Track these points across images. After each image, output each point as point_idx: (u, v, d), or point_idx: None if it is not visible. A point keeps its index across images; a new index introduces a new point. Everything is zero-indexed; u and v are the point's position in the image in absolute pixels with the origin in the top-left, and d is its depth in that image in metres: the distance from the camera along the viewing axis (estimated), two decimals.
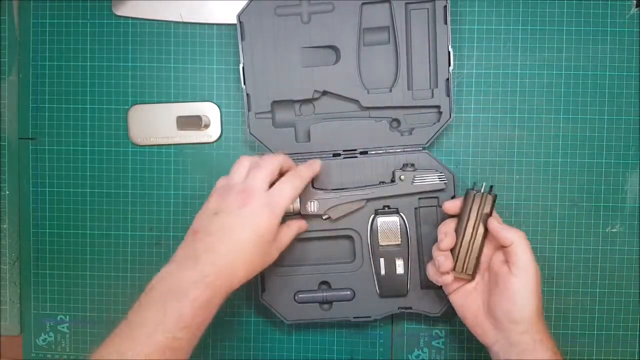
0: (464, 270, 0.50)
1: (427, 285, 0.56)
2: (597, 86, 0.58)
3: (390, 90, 0.56)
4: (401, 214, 0.56)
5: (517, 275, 0.46)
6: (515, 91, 0.58)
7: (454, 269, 0.50)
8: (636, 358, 0.59)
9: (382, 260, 0.56)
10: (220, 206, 0.47)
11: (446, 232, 0.50)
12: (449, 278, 0.50)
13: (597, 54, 0.58)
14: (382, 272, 0.56)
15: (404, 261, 0.56)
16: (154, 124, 0.60)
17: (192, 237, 0.46)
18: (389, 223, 0.56)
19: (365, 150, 0.56)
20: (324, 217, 0.56)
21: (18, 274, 0.62)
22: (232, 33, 0.59)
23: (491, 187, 0.50)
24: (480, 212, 0.50)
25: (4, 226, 0.62)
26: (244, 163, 0.50)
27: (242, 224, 0.45)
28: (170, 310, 0.41)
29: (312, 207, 0.54)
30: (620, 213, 0.58)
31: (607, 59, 0.58)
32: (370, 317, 0.56)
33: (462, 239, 0.50)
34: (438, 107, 0.56)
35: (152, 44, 0.60)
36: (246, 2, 0.55)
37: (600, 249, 0.58)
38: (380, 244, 0.56)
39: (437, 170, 0.55)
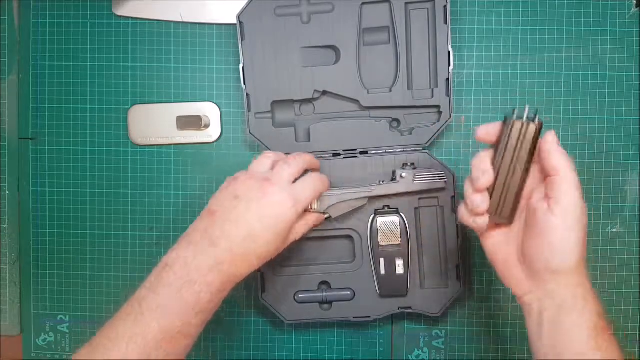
0: (499, 213, 0.42)
1: (427, 285, 0.56)
2: (597, 86, 0.58)
3: (390, 90, 0.56)
4: (401, 214, 0.56)
5: (559, 215, 0.39)
6: (515, 91, 0.58)
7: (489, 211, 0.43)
8: (636, 358, 0.59)
9: (382, 260, 0.56)
10: (242, 190, 0.45)
11: (484, 169, 0.41)
12: (484, 220, 0.43)
13: (597, 54, 0.58)
14: (382, 272, 0.56)
15: (404, 261, 0.56)
16: (154, 124, 0.60)
17: (209, 219, 0.44)
18: (389, 223, 0.56)
19: (365, 150, 0.56)
20: (325, 216, 0.56)
21: (18, 274, 0.62)
22: (232, 33, 0.59)
23: (536, 112, 0.42)
24: (520, 144, 0.41)
25: (4, 226, 0.62)
26: (268, 155, 0.49)
27: (262, 214, 0.44)
28: (187, 295, 0.42)
29: (313, 205, 0.54)
30: (620, 213, 0.58)
31: (607, 59, 0.58)
32: (370, 317, 0.56)
33: (498, 175, 0.42)
34: (438, 107, 0.56)
35: (152, 44, 0.60)
36: (246, 2, 0.55)
37: (600, 249, 0.58)
38: (380, 244, 0.56)
39: (437, 169, 0.55)
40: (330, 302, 0.57)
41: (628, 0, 0.57)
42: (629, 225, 0.58)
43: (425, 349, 0.60)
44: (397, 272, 0.56)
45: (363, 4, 0.55)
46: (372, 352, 0.60)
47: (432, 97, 0.56)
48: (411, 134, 0.56)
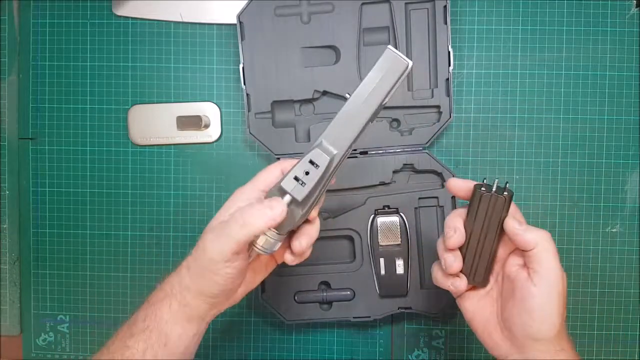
0: (473, 276, 0.43)
1: (427, 285, 0.56)
2: (597, 86, 0.58)
3: None
4: (401, 214, 0.56)
5: (539, 285, 0.39)
6: (515, 91, 0.58)
7: (461, 271, 0.43)
8: (636, 358, 0.59)
9: (382, 260, 0.56)
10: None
11: (455, 227, 0.42)
12: (461, 283, 0.43)
13: (597, 54, 0.58)
14: (382, 272, 0.56)
15: (404, 261, 0.56)
16: (154, 124, 0.60)
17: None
18: (388, 223, 0.56)
19: (365, 150, 0.56)
20: (324, 217, 0.56)
21: (18, 274, 0.62)
22: (232, 33, 0.59)
23: (506, 184, 0.42)
24: (489, 213, 0.41)
25: (4, 226, 0.62)
26: (278, 165, 0.44)
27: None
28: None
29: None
30: (620, 213, 0.58)
31: (607, 59, 0.58)
32: (370, 317, 0.56)
33: (470, 238, 0.42)
34: (438, 107, 0.56)
35: (152, 44, 0.60)
36: (246, 2, 0.55)
37: (600, 249, 0.58)
38: (380, 244, 0.56)
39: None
40: (330, 302, 0.57)
41: (628, 0, 0.57)
42: (629, 225, 0.58)
43: (425, 349, 0.60)
44: (397, 272, 0.56)
45: (363, 4, 0.55)
46: (372, 352, 0.60)
47: (432, 97, 0.56)
48: (411, 134, 0.56)
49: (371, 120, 0.40)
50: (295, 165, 0.39)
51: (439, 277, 0.44)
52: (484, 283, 0.43)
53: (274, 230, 0.39)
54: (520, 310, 0.40)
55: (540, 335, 0.39)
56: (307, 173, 0.39)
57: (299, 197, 0.39)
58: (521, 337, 0.40)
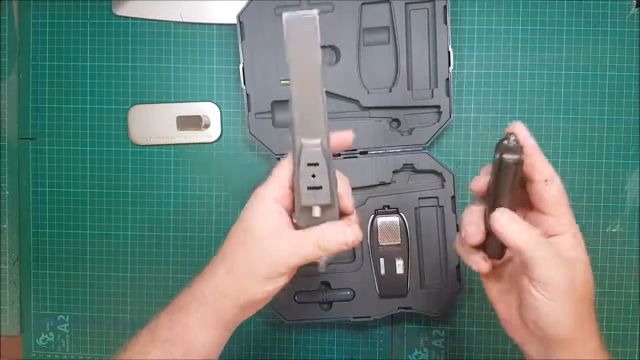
0: (488, 250, 0.39)
1: (427, 285, 0.56)
2: (597, 86, 0.58)
3: (390, 90, 0.56)
4: (401, 214, 0.56)
5: (540, 290, 0.35)
6: (515, 91, 0.58)
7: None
8: (636, 358, 0.59)
9: (382, 260, 0.56)
10: None
11: (476, 223, 0.38)
12: (485, 266, 0.38)
13: (597, 54, 0.58)
14: (382, 272, 0.56)
15: (404, 261, 0.56)
16: (154, 124, 0.60)
17: None
18: (388, 223, 0.56)
19: (365, 150, 0.56)
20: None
21: (18, 274, 0.62)
22: (232, 33, 0.59)
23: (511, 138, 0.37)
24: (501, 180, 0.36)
25: (4, 226, 0.62)
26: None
27: None
28: None
29: None
30: (620, 213, 0.58)
31: (607, 59, 0.58)
32: (370, 317, 0.56)
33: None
34: (438, 107, 0.56)
35: (152, 44, 0.60)
36: (246, 2, 0.55)
37: (600, 249, 0.58)
38: (380, 244, 0.56)
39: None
40: (330, 302, 0.57)
41: (628, 0, 0.57)
42: (629, 225, 0.58)
43: (425, 349, 0.60)
44: (397, 272, 0.56)
45: (363, 4, 0.55)
46: (372, 352, 0.60)
47: (432, 97, 0.56)
48: (411, 134, 0.56)
49: (324, 86, 0.37)
50: (298, 180, 0.37)
51: (460, 249, 0.40)
52: (499, 256, 0.39)
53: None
54: (529, 311, 0.36)
55: (556, 334, 0.35)
56: (313, 176, 0.37)
57: (327, 201, 0.37)
58: (539, 337, 0.36)
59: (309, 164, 0.37)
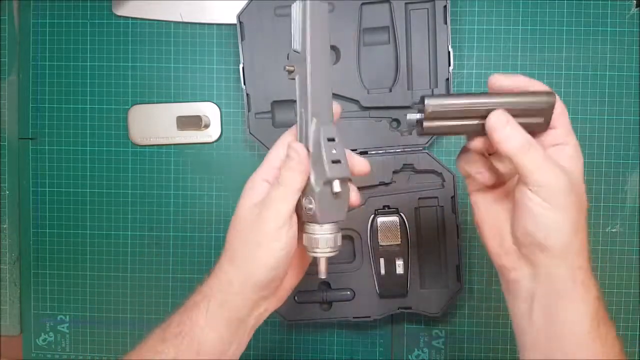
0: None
1: (427, 285, 0.56)
2: (597, 86, 0.58)
3: (390, 90, 0.56)
4: (401, 213, 0.56)
5: (537, 193, 0.34)
6: None
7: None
8: (636, 358, 0.59)
9: (382, 260, 0.56)
10: None
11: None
12: (489, 177, 0.38)
13: (597, 54, 0.58)
14: (382, 272, 0.56)
15: (404, 261, 0.56)
16: (154, 124, 0.60)
17: None
18: (388, 223, 0.56)
19: (365, 150, 0.56)
20: None
21: (18, 274, 0.62)
22: (232, 33, 0.59)
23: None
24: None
25: (4, 226, 0.62)
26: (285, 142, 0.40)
27: None
28: None
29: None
30: (620, 213, 0.58)
31: (607, 59, 0.58)
32: (370, 317, 0.56)
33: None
34: None
35: (152, 44, 0.60)
36: (246, 2, 0.55)
37: (600, 249, 0.58)
38: (380, 244, 0.56)
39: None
40: (330, 302, 0.57)
41: (628, 0, 0.57)
42: (629, 225, 0.58)
43: (425, 349, 0.60)
44: (397, 272, 0.56)
45: (363, 4, 0.55)
46: (372, 352, 0.60)
47: None
48: (411, 134, 0.56)
49: (327, 71, 0.38)
50: (320, 157, 0.36)
51: (461, 164, 0.39)
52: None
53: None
54: (523, 216, 0.35)
55: (548, 241, 0.34)
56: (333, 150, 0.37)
57: (347, 174, 0.37)
58: (531, 246, 0.35)
59: (328, 139, 0.37)
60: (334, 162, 0.36)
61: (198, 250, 0.61)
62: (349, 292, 0.57)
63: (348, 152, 0.39)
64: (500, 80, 0.36)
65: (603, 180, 0.58)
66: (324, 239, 0.37)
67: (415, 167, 0.56)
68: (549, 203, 0.34)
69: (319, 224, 0.37)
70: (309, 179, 0.37)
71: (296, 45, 0.36)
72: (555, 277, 0.35)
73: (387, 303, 0.56)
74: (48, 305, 0.62)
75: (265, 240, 0.36)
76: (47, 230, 0.62)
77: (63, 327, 0.62)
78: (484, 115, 0.35)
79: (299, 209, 0.38)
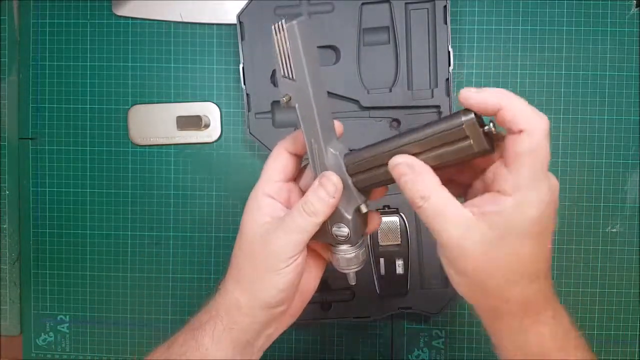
0: None
1: (427, 285, 0.56)
2: (597, 86, 0.58)
3: (390, 90, 0.56)
4: (401, 214, 0.56)
5: (442, 254, 0.32)
6: (515, 91, 0.58)
7: None
8: (636, 358, 0.59)
9: (382, 260, 0.56)
10: None
11: None
12: None
13: (597, 54, 0.58)
14: (382, 272, 0.56)
15: (404, 261, 0.56)
16: (154, 124, 0.60)
17: None
18: (389, 223, 0.56)
19: None
20: None
21: (18, 274, 0.62)
22: (232, 33, 0.59)
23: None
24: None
25: (4, 226, 0.62)
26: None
27: None
28: None
29: None
30: (620, 213, 0.58)
31: (607, 59, 0.58)
32: (370, 317, 0.56)
33: None
34: (438, 107, 0.56)
35: (152, 44, 0.60)
36: (246, 2, 0.55)
37: (600, 249, 0.58)
38: (380, 244, 0.56)
39: None
40: (330, 302, 0.57)
41: (628, 0, 0.57)
42: (629, 225, 0.58)
43: (425, 349, 0.60)
44: (397, 272, 0.56)
45: (363, 4, 0.55)
46: (372, 352, 0.60)
47: (432, 97, 0.56)
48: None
49: (324, 90, 0.35)
50: (349, 182, 0.36)
51: None
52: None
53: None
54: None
55: (480, 310, 0.34)
56: None
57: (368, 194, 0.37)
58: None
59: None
60: (357, 187, 0.36)
61: (198, 250, 0.61)
62: (348, 292, 0.57)
63: (338, 122, 0.37)
64: (469, 97, 0.31)
65: (603, 180, 0.58)
66: (357, 255, 0.38)
67: None
68: (456, 271, 0.32)
69: (352, 245, 0.37)
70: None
71: (287, 72, 0.33)
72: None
73: (387, 303, 0.56)
74: (48, 305, 0.62)
75: (277, 265, 0.35)
76: (47, 230, 0.62)
77: (63, 327, 0.62)
78: (411, 153, 0.33)
79: (321, 234, 0.36)
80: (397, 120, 0.57)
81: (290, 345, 0.61)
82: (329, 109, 0.35)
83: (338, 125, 0.37)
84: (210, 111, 0.60)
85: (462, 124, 0.30)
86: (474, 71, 0.58)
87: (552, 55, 0.58)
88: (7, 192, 0.62)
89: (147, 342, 0.61)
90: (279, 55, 0.33)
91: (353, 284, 0.40)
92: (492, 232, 0.30)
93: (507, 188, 0.30)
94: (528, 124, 0.30)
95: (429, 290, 0.56)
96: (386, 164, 0.33)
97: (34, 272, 0.62)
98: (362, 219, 0.37)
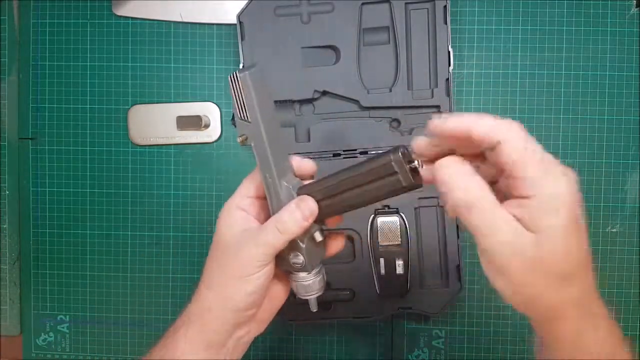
0: None
1: (427, 285, 0.56)
2: (597, 86, 0.58)
3: (390, 90, 0.56)
4: (401, 214, 0.56)
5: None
6: (515, 91, 0.58)
7: None
8: (636, 358, 0.58)
9: (382, 260, 0.56)
10: None
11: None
12: None
13: (597, 54, 0.58)
14: (382, 272, 0.56)
15: (404, 261, 0.56)
16: (154, 124, 0.60)
17: None
18: (389, 223, 0.56)
19: (365, 150, 0.56)
20: None
21: (18, 274, 0.62)
22: (232, 33, 0.59)
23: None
24: None
25: (4, 226, 0.62)
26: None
27: None
28: None
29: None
30: (620, 213, 0.58)
31: (607, 59, 0.58)
32: (370, 317, 0.56)
33: None
34: (438, 107, 0.56)
35: (152, 44, 0.60)
36: (246, 2, 0.55)
37: (600, 249, 0.58)
38: (380, 244, 0.56)
39: None
40: (330, 302, 0.57)
41: (628, 0, 0.57)
42: (629, 225, 0.58)
43: (425, 349, 0.60)
44: (397, 272, 0.56)
45: (363, 4, 0.55)
46: (372, 352, 0.60)
47: (432, 97, 0.56)
48: (411, 134, 0.56)
49: (278, 129, 0.39)
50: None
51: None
52: None
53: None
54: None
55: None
56: None
57: (324, 224, 0.40)
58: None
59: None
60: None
61: (198, 250, 0.61)
62: (348, 292, 0.57)
63: (296, 158, 0.40)
64: (437, 126, 0.32)
65: (603, 180, 0.58)
66: (315, 283, 0.40)
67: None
68: (505, 281, 0.31)
69: (308, 272, 0.39)
70: None
71: (243, 115, 0.37)
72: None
73: (387, 303, 0.56)
74: (48, 305, 0.62)
75: (247, 271, 0.37)
76: (47, 230, 0.62)
77: (63, 327, 0.62)
78: (350, 187, 0.36)
79: (280, 261, 0.39)
80: (397, 120, 0.57)
81: (290, 345, 0.61)
82: (283, 146, 0.39)
83: (310, 164, 0.40)
84: (210, 111, 0.60)
85: (391, 161, 0.34)
86: (474, 71, 0.58)
87: (552, 55, 0.58)
88: (7, 192, 0.62)
89: (147, 342, 0.61)
90: (235, 101, 0.37)
91: (314, 310, 0.42)
92: (531, 236, 0.30)
93: (524, 191, 0.30)
94: (500, 134, 0.31)
95: (429, 290, 0.56)
96: (335, 195, 0.37)
97: (34, 272, 0.62)
98: (318, 246, 0.40)
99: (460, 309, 0.59)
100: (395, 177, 0.34)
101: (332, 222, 0.41)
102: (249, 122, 0.37)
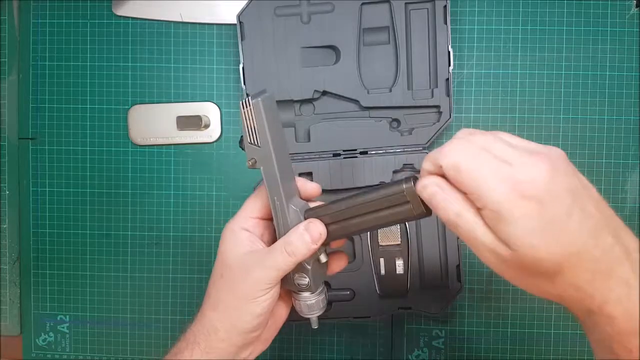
0: None
1: (427, 285, 0.56)
2: (597, 86, 0.58)
3: (390, 90, 0.56)
4: None
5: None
6: (515, 91, 0.58)
7: None
8: (636, 358, 0.58)
9: (382, 260, 0.56)
10: None
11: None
12: None
13: (597, 54, 0.58)
14: (382, 272, 0.56)
15: (404, 261, 0.56)
16: (154, 124, 0.60)
17: None
18: None
19: (365, 150, 0.56)
20: None
21: (18, 274, 0.62)
22: (232, 33, 0.59)
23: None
24: None
25: (4, 226, 0.62)
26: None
27: None
28: None
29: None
30: (620, 213, 0.58)
31: (607, 59, 0.58)
32: (370, 317, 0.56)
33: None
34: (438, 107, 0.56)
35: (152, 44, 0.60)
36: (246, 2, 0.55)
37: None
38: (380, 244, 0.56)
39: None
40: (330, 302, 0.57)
41: (628, 0, 0.57)
42: (629, 225, 0.58)
43: (425, 349, 0.60)
44: (397, 272, 0.56)
45: (363, 4, 0.55)
46: (372, 352, 0.60)
47: (432, 97, 0.56)
48: (411, 134, 0.56)
49: (286, 153, 0.40)
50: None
51: None
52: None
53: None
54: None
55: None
56: None
57: (329, 246, 0.41)
58: None
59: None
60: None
61: (198, 250, 0.61)
62: (348, 292, 0.57)
63: (301, 180, 0.41)
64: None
65: (603, 180, 0.58)
66: (318, 302, 0.41)
67: (415, 167, 0.56)
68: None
69: (312, 292, 0.41)
70: None
71: (253, 140, 0.37)
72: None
73: (387, 303, 0.56)
74: (48, 305, 0.62)
75: (255, 294, 0.38)
76: (47, 230, 0.62)
77: (63, 327, 0.62)
78: (360, 214, 0.37)
79: (285, 281, 0.40)
80: (397, 120, 0.57)
81: (290, 345, 0.61)
82: (291, 170, 0.40)
83: (315, 186, 0.41)
84: (210, 111, 0.60)
85: (404, 191, 0.35)
86: (474, 71, 0.58)
87: (552, 55, 0.58)
88: (7, 192, 0.62)
89: (147, 342, 0.61)
90: (246, 126, 0.37)
91: (315, 327, 0.43)
92: (504, 248, 0.30)
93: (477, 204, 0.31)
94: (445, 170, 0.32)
95: (429, 290, 0.56)
96: (344, 220, 0.38)
97: (34, 272, 0.62)
98: (322, 267, 0.41)
99: (460, 309, 0.59)
100: (407, 206, 0.35)
101: (335, 243, 0.41)
102: (259, 146, 0.37)
